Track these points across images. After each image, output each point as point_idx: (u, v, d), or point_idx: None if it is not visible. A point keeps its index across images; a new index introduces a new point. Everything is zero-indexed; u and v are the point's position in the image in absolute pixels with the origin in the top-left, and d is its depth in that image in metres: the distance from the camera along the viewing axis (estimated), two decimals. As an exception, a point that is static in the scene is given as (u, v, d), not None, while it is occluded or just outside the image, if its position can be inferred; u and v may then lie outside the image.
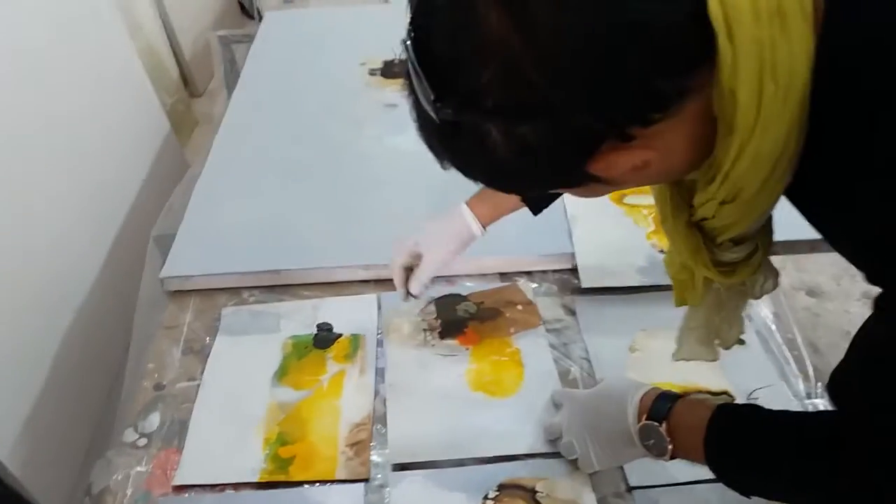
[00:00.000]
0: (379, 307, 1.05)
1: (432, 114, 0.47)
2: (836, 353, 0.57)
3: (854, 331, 0.54)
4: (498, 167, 0.49)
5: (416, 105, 0.49)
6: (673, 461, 0.68)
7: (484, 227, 0.91)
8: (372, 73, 1.59)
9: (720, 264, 0.62)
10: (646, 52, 0.43)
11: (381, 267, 1.09)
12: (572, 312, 1.02)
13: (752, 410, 0.64)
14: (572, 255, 1.08)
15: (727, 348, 0.76)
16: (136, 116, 1.69)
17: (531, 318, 1.02)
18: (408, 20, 0.47)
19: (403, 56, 0.48)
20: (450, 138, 0.49)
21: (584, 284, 1.04)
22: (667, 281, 1.02)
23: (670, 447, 0.67)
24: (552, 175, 0.52)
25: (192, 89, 2.45)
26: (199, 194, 1.26)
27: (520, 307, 1.04)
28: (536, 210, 0.92)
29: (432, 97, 0.46)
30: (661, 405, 0.70)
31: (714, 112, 0.47)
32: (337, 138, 1.38)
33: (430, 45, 0.46)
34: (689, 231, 0.61)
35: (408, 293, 0.93)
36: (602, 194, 0.57)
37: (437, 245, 0.91)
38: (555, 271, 1.09)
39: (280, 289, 1.10)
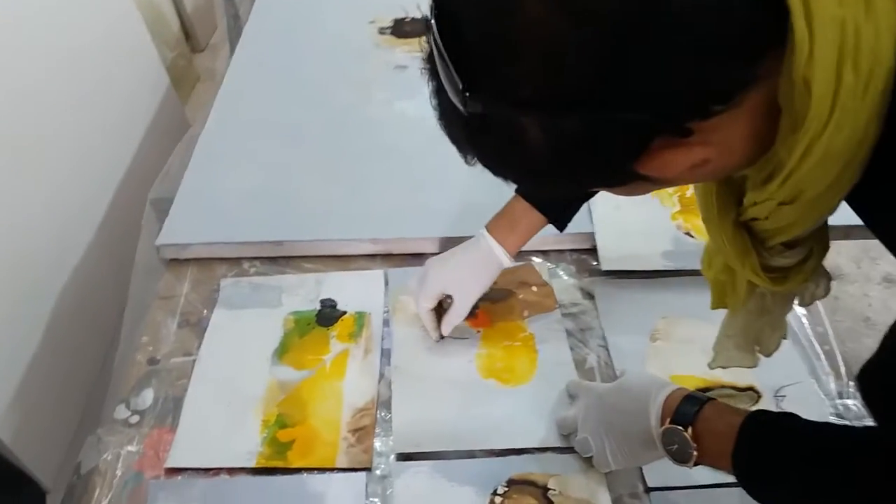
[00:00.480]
0: (386, 283, 1.00)
1: (460, 106, 0.41)
2: (855, 337, 0.53)
3: (874, 317, 0.50)
4: (532, 165, 0.44)
5: (439, 94, 0.44)
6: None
7: (511, 256, 0.86)
8: (381, 32, 1.50)
9: (770, 269, 0.56)
10: (709, 37, 0.37)
11: (389, 241, 1.04)
12: (590, 296, 0.97)
13: (789, 420, 0.59)
14: (592, 235, 1.02)
15: (768, 355, 0.71)
16: (134, 70, 1.62)
17: (546, 301, 0.97)
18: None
19: (416, 16, 0.42)
20: (478, 133, 0.44)
21: (604, 267, 0.99)
22: (692, 266, 0.97)
23: (695, 454, 0.62)
24: (595, 174, 0.47)
25: (194, 43, 2.36)
26: (199, 157, 1.20)
27: (534, 288, 0.99)
28: (562, 226, 0.87)
29: (461, 87, 0.40)
30: (688, 408, 0.64)
31: (778, 103, 0.41)
32: (344, 102, 1.31)
33: (458, 27, 0.40)
34: (737, 231, 0.55)
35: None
36: (645, 193, 0.51)
37: (467, 284, 0.87)
38: (572, 251, 1.03)
39: (282, 261, 1.04)
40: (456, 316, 0.88)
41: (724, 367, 0.75)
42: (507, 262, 0.86)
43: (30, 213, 1.19)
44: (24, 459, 1.09)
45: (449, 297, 0.88)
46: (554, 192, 0.48)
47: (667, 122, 0.41)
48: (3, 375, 1.09)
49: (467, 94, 0.41)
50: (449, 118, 0.45)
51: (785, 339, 0.71)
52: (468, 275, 0.87)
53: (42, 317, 1.19)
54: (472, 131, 0.44)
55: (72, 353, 1.25)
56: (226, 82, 1.39)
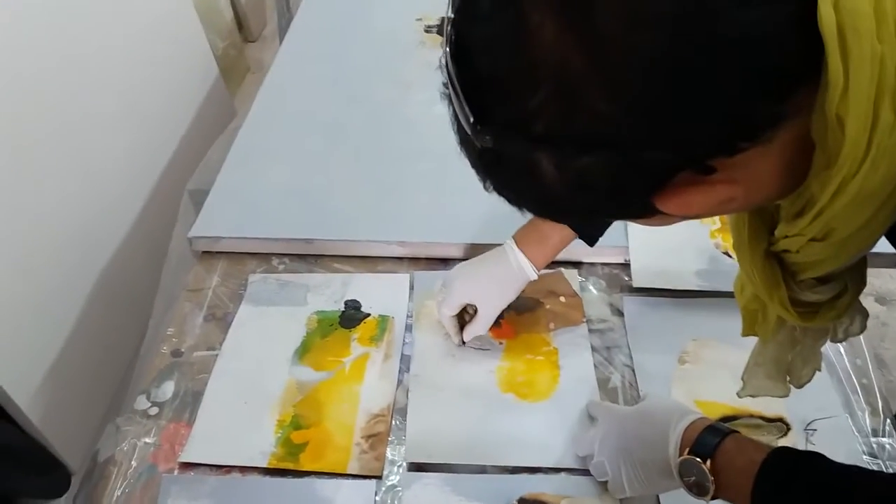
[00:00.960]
0: (411, 287, 0.99)
1: (472, 138, 0.39)
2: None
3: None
4: (547, 199, 0.42)
5: (456, 121, 0.41)
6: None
7: (538, 270, 0.85)
8: (427, 30, 1.49)
9: (800, 304, 0.53)
10: (737, 72, 0.34)
11: (417, 244, 1.02)
12: (619, 313, 0.94)
13: (814, 461, 0.56)
14: (625, 249, 0.99)
15: (799, 387, 0.67)
16: (183, 59, 1.64)
17: (574, 314, 0.94)
18: (448, 24, 0.39)
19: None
20: (491, 165, 0.42)
21: (636, 283, 0.96)
22: (727, 287, 0.93)
23: (712, 488, 0.60)
24: (611, 210, 0.46)
25: (247, 34, 2.39)
26: (237, 150, 1.21)
27: (563, 299, 0.96)
28: (592, 241, 0.85)
29: (471, 120, 0.39)
30: (708, 439, 0.62)
31: (811, 138, 0.38)
32: (384, 99, 1.31)
33: (471, 56, 0.38)
34: (767, 263, 0.52)
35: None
36: (670, 224, 0.49)
37: (492, 297, 0.86)
38: (604, 265, 1.01)
39: (311, 259, 1.04)
40: (479, 327, 0.87)
41: (753, 397, 0.71)
42: (534, 275, 0.85)
43: (71, 197, 1.21)
44: (53, 442, 1.12)
45: (472, 306, 0.87)
46: (574, 223, 0.46)
47: (689, 160, 0.38)
48: (37, 359, 1.12)
49: (478, 126, 0.39)
50: (465, 147, 0.43)
51: (819, 370, 0.67)
52: (493, 287, 0.86)
53: (77, 302, 1.22)
54: (485, 162, 0.42)
55: (105, 340, 1.28)
56: (270, 75, 1.40)
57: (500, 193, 0.44)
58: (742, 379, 0.70)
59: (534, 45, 0.35)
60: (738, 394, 0.72)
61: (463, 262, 0.89)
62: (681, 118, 0.36)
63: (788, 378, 0.68)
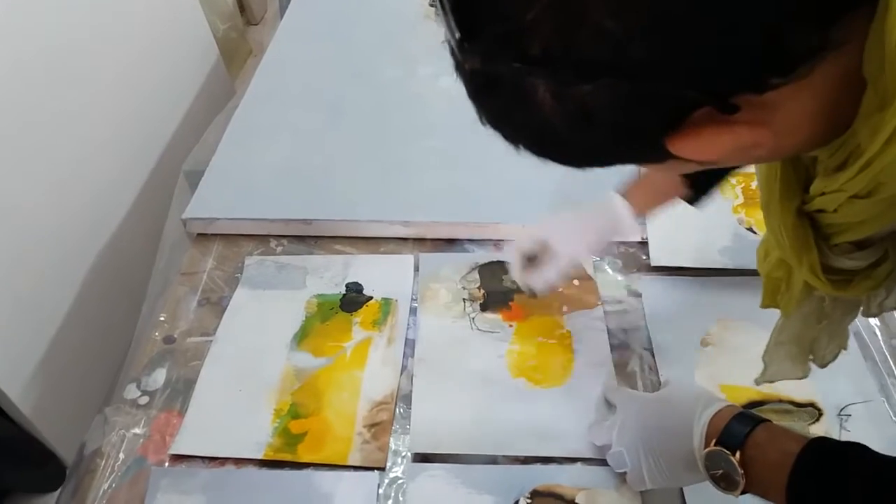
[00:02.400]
0: (416, 269, 0.94)
1: (459, 58, 0.34)
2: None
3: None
4: (547, 135, 0.36)
5: (448, 42, 0.35)
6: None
7: (637, 218, 0.77)
8: (432, 3, 1.43)
9: (832, 271, 0.47)
10: None
11: (421, 224, 0.97)
12: (637, 294, 0.88)
13: (856, 451, 0.50)
14: (643, 226, 0.93)
15: (823, 366, 0.61)
16: (183, 40, 1.59)
17: (588, 297, 0.89)
18: None
19: None
20: (482, 91, 0.36)
21: (654, 262, 0.90)
22: (752, 265, 0.88)
23: (742, 482, 0.54)
24: (617, 152, 0.39)
25: (249, 16, 2.34)
26: (234, 129, 1.16)
27: (576, 282, 0.91)
28: (694, 202, 0.76)
29: (457, 35, 0.33)
30: (737, 429, 0.56)
31: (861, 74, 0.32)
32: (387, 76, 1.25)
33: None
34: (799, 223, 0.46)
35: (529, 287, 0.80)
36: (690, 170, 0.43)
37: (573, 237, 0.78)
38: (620, 243, 0.95)
39: (310, 240, 0.99)
40: (553, 270, 0.77)
41: (771, 382, 0.65)
42: (629, 222, 0.77)
43: (67, 182, 1.17)
44: (47, 435, 1.08)
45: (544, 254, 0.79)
46: (577, 166, 0.40)
47: (710, 96, 0.32)
48: (29, 349, 1.07)
49: (465, 43, 0.33)
50: (459, 72, 0.36)
51: (845, 349, 0.61)
52: (577, 229, 0.79)
53: (72, 289, 1.17)
54: (475, 88, 0.36)
55: (101, 328, 1.24)
56: (269, 52, 1.35)
57: (495, 127, 0.38)
58: (763, 360, 0.64)
59: None
60: (755, 380, 0.66)
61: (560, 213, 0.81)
62: (701, 43, 0.30)
63: (811, 357, 0.62)
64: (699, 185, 0.76)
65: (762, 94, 0.32)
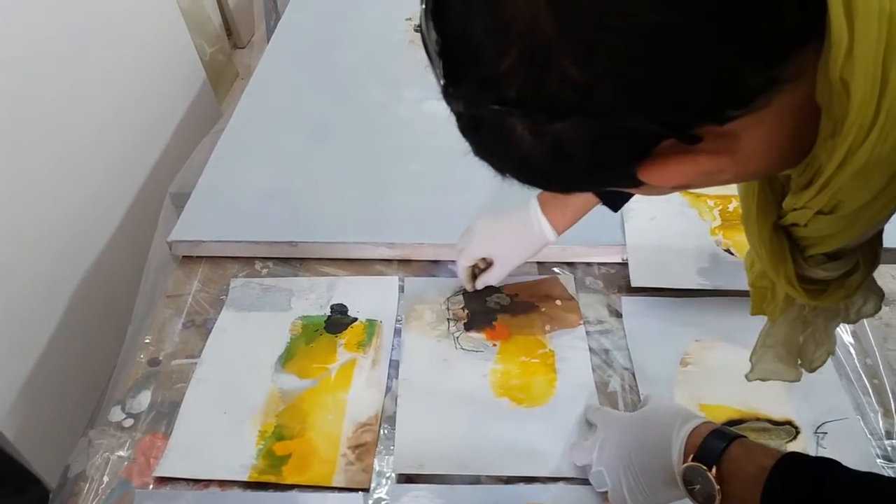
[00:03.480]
0: (401, 290, 0.95)
1: (445, 102, 0.37)
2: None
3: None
4: (528, 166, 0.39)
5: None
6: None
7: (558, 233, 0.83)
8: (417, 29, 1.45)
9: (807, 281, 0.49)
10: (726, 35, 0.31)
11: (406, 246, 0.98)
12: (618, 314, 0.90)
13: (827, 467, 0.52)
14: (623, 248, 0.95)
15: (811, 370, 0.63)
16: (169, 63, 1.61)
17: (570, 316, 0.90)
18: None
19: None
20: (469, 130, 0.39)
21: (634, 283, 0.92)
22: (730, 285, 0.90)
23: (719, 497, 0.56)
24: (592, 180, 0.42)
25: (236, 40, 2.36)
26: (220, 152, 1.17)
27: (558, 302, 0.92)
28: (615, 206, 0.83)
29: (442, 82, 0.36)
30: (714, 444, 0.58)
31: (817, 102, 0.35)
32: (372, 99, 1.27)
33: (447, 13, 0.35)
34: (775, 236, 0.48)
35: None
36: (667, 193, 0.45)
37: (509, 253, 0.87)
38: (601, 264, 0.97)
39: (296, 262, 1.00)
40: (492, 277, 0.88)
41: (763, 380, 0.67)
42: (552, 237, 0.83)
43: (53, 203, 1.17)
44: (30, 459, 1.07)
45: (487, 260, 0.88)
46: (560, 191, 0.43)
47: (672, 129, 0.35)
48: (12, 371, 1.07)
49: (450, 89, 0.36)
50: (451, 110, 0.40)
51: (833, 354, 0.63)
52: (511, 243, 0.86)
53: (56, 311, 1.17)
54: (463, 126, 0.39)
55: (86, 351, 1.23)
56: (256, 76, 1.37)
57: (483, 159, 0.41)
58: (750, 360, 0.66)
59: (503, 4, 0.32)
60: (746, 376, 0.68)
61: (485, 214, 0.88)
62: (659, 84, 0.32)
63: (800, 362, 0.64)
64: (612, 198, 0.82)
65: (723, 125, 0.34)
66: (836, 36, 0.31)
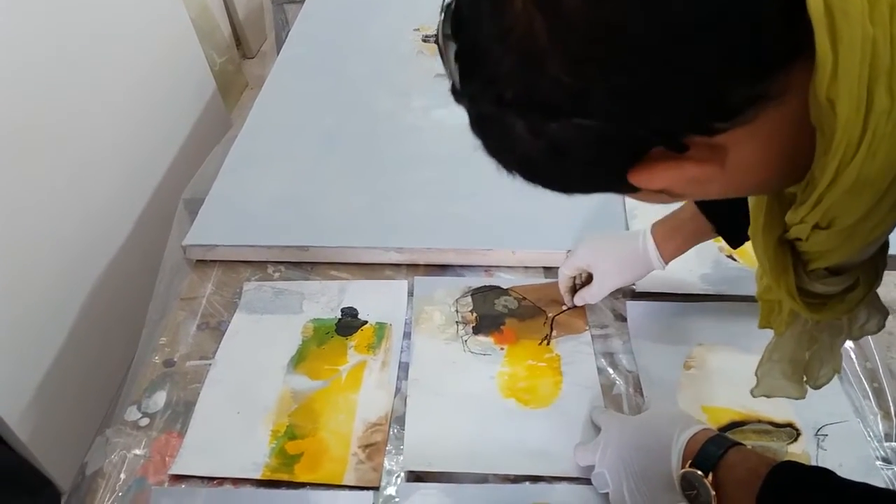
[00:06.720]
0: (410, 294, 0.97)
1: (454, 99, 0.41)
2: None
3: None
4: (529, 164, 0.42)
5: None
6: None
7: (666, 263, 0.83)
8: (425, 39, 1.49)
9: (808, 294, 0.51)
10: (710, 51, 0.33)
11: (415, 251, 1.00)
12: (622, 318, 0.92)
13: (821, 477, 0.54)
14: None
15: (816, 388, 0.64)
16: (180, 73, 1.64)
17: (576, 322, 0.92)
18: None
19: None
20: (477, 126, 0.42)
21: (639, 288, 0.93)
22: (733, 291, 0.92)
23: (715, 502, 0.58)
24: (587, 182, 0.44)
25: (245, 50, 2.39)
26: (233, 159, 1.19)
27: (565, 307, 0.94)
28: (735, 242, 0.80)
29: (452, 82, 0.40)
30: (711, 451, 0.60)
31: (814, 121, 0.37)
32: (382, 108, 1.30)
33: (460, 20, 0.39)
34: (780, 249, 0.50)
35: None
36: (668, 202, 0.47)
37: (613, 273, 0.86)
38: (606, 270, 0.98)
39: (307, 266, 1.02)
40: (591, 294, 0.87)
41: (767, 397, 0.69)
42: (659, 266, 0.83)
43: (67, 210, 1.20)
44: (43, 461, 1.09)
45: (588, 274, 0.88)
46: (560, 191, 0.45)
47: (661, 137, 0.37)
48: (27, 374, 1.09)
49: (458, 89, 0.40)
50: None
51: (839, 372, 0.65)
52: (617, 266, 0.86)
53: (70, 314, 1.19)
54: (471, 123, 0.43)
55: (99, 353, 1.25)
56: (267, 85, 1.39)
57: (491, 156, 0.44)
58: (756, 375, 0.68)
59: (507, 10, 0.35)
60: (751, 392, 0.69)
61: (596, 234, 0.89)
62: (646, 95, 0.35)
63: (805, 379, 0.66)
64: (728, 230, 0.79)
65: (711, 136, 0.37)
66: (822, 59, 0.33)
